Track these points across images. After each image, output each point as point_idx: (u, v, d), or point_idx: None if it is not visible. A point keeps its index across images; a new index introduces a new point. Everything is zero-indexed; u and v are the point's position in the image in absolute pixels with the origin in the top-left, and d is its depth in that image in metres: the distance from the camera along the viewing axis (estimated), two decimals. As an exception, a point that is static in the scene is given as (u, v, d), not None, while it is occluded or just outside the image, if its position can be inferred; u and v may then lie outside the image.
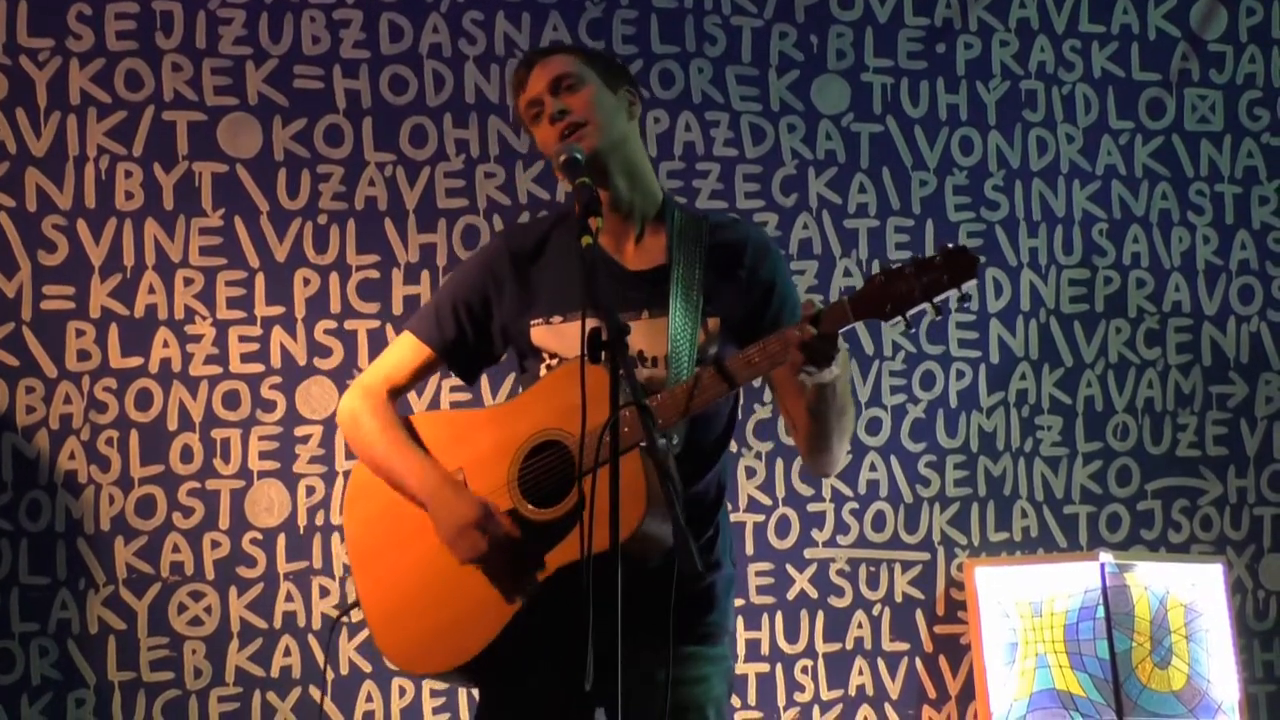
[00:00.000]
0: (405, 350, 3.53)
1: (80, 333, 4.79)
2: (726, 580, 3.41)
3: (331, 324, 4.92)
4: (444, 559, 3.29)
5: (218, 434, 4.84)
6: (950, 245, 3.05)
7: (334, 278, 4.94)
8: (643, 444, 3.08)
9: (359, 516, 3.47)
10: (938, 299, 3.04)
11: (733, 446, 5.07)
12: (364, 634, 4.85)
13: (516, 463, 3.29)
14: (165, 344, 4.83)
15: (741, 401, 5.05)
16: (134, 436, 4.79)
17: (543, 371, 3.38)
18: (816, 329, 3.11)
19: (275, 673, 4.81)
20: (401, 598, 3.35)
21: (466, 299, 3.48)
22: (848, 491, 5.23)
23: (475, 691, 3.47)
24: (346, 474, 4.82)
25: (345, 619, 4.74)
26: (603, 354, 2.94)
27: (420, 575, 3.34)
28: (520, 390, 3.46)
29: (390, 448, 3.43)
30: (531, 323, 3.40)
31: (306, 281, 4.93)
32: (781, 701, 5.13)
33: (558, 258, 3.43)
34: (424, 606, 3.32)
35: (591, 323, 3.02)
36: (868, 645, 5.21)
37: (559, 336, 3.37)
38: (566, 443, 3.23)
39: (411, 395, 4.82)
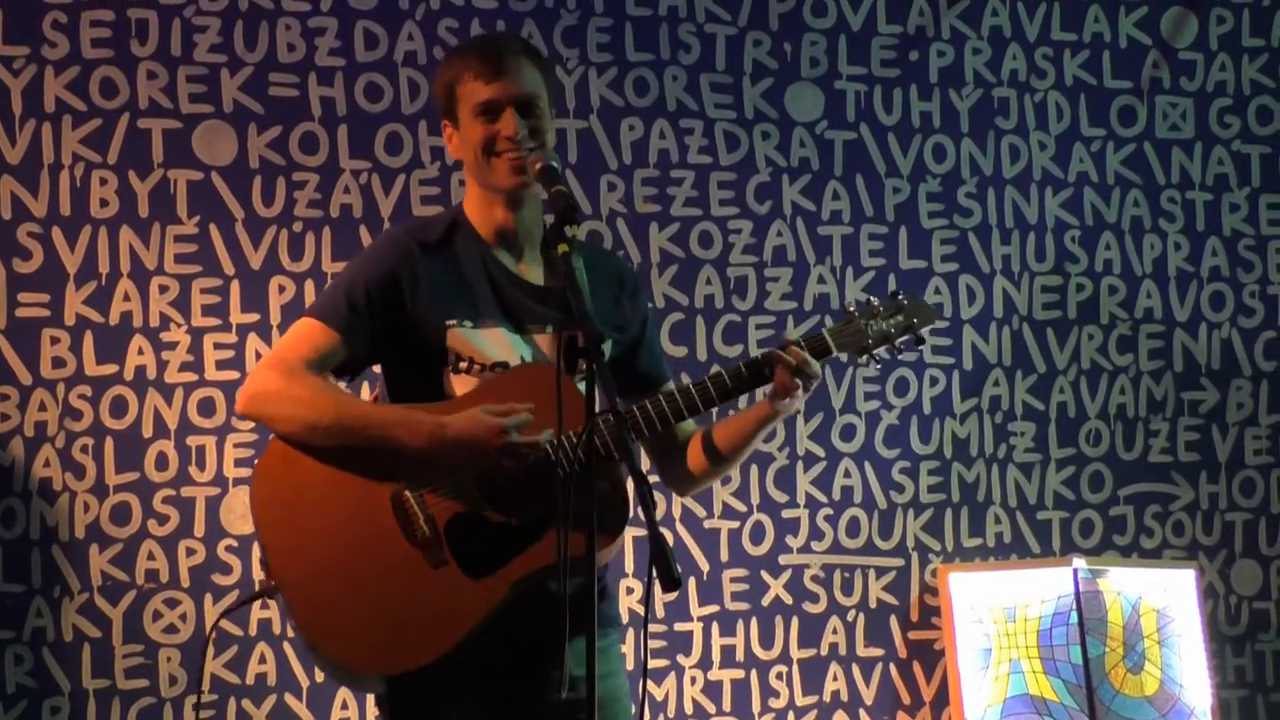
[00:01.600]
0: (310, 333, 3.37)
1: (55, 340, 4.78)
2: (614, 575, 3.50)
3: (307, 331, 4.92)
4: (399, 548, 3.24)
5: (193, 441, 4.84)
6: (907, 295, 3.44)
7: (309, 285, 4.94)
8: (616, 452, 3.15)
9: (286, 483, 3.30)
10: (900, 341, 3.40)
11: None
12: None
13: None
14: (140, 351, 4.83)
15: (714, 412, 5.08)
16: (109, 444, 4.78)
17: (450, 378, 3.34)
18: (807, 355, 3.30)
19: (250, 680, 4.81)
20: (348, 588, 3.25)
21: (379, 283, 3.36)
22: (822, 498, 5.25)
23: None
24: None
25: (263, 602, 4.69)
26: (578, 362, 2.96)
27: (378, 563, 3.25)
28: (403, 394, 3.40)
29: (353, 404, 3.32)
30: (447, 324, 3.35)
31: (282, 289, 4.93)
32: (756, 708, 5.14)
33: (461, 262, 3.41)
34: (378, 600, 3.24)
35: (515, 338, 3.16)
36: (842, 651, 5.23)
37: (476, 343, 3.34)
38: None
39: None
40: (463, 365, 3.34)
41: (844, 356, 3.38)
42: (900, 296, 3.41)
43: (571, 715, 3.16)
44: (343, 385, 3.44)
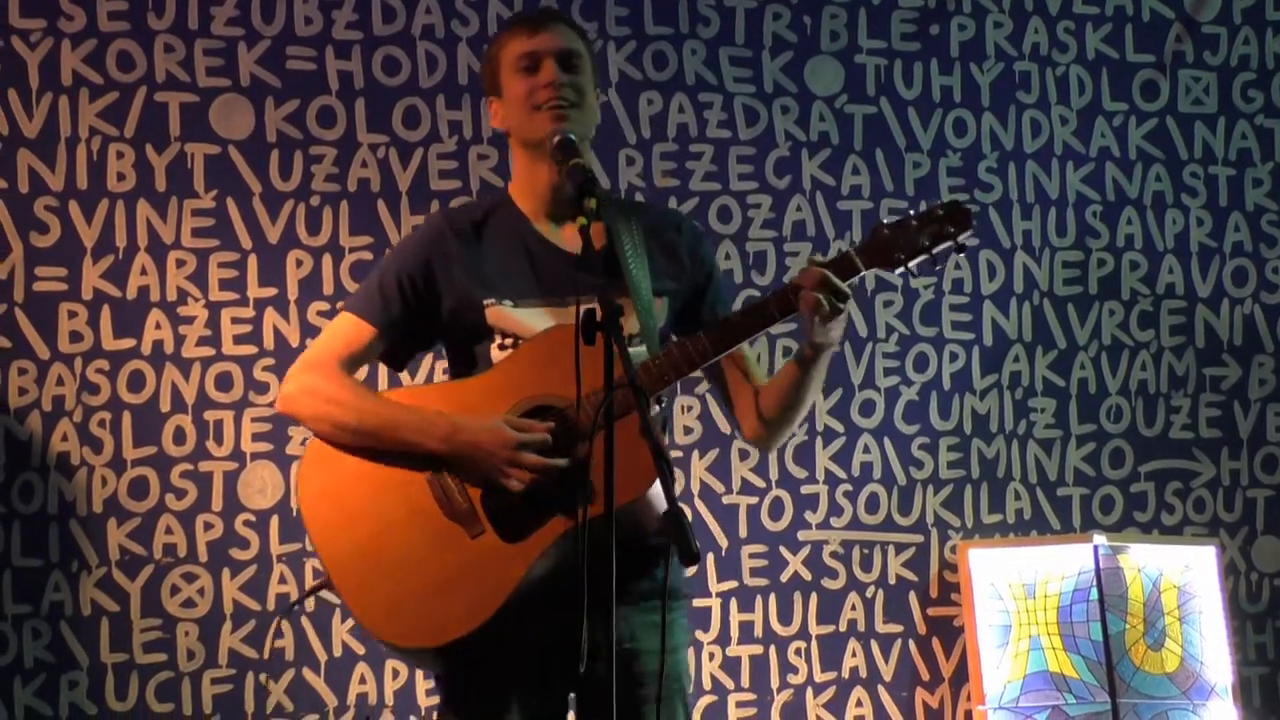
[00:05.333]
0: (346, 328, 3.43)
1: (72, 314, 4.78)
2: None
3: (324, 305, 4.91)
4: (439, 524, 3.26)
5: (210, 416, 4.83)
6: (948, 200, 3.31)
7: (327, 259, 4.93)
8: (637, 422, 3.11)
9: (327, 476, 3.34)
10: (938, 250, 3.28)
11: (725, 429, 5.10)
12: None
13: None
14: (157, 326, 4.82)
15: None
16: (126, 418, 4.78)
17: (494, 353, 3.36)
18: (828, 272, 3.22)
19: (268, 654, 4.81)
20: (394, 567, 3.26)
21: (411, 275, 3.41)
22: (841, 474, 5.23)
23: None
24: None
25: (281, 576, 4.74)
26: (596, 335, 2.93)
27: (419, 539, 3.27)
28: (460, 372, 3.43)
29: (375, 407, 3.34)
30: (485, 303, 3.36)
31: (299, 263, 4.92)
32: (775, 683, 5.13)
33: (499, 241, 3.43)
34: (423, 574, 3.25)
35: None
36: (861, 627, 5.21)
37: (517, 321, 3.35)
38: (563, 408, 3.23)
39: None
40: (507, 342, 3.36)
41: (876, 275, 3.31)
42: (936, 206, 3.32)
43: (627, 688, 3.22)
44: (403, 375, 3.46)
